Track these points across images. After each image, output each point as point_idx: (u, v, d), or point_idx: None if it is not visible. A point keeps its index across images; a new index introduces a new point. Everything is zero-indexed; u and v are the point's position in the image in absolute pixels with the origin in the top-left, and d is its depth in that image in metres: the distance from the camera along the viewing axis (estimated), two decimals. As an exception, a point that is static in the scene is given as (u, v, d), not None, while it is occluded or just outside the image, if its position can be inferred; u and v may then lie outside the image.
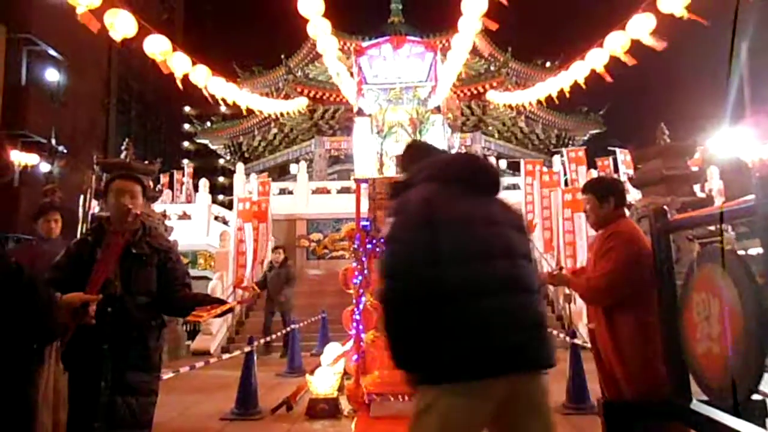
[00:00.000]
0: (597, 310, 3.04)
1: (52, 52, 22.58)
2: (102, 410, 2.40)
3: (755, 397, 1.57)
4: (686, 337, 1.72)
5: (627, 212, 3.79)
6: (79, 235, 6.48)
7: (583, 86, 7.54)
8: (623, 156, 18.23)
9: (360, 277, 5.60)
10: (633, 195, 13.03)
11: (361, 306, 5.61)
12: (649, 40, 6.19)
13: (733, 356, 1.43)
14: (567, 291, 9.02)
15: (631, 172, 14.87)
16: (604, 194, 3.03)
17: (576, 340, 5.53)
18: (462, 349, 1.75)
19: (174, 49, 6.83)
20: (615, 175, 20.46)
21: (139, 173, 10.47)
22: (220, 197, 32.63)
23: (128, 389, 2.48)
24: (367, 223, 5.88)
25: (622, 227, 2.97)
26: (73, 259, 2.65)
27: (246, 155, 26.87)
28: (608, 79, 6.89)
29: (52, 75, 23.28)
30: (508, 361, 1.77)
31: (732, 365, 1.43)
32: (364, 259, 5.74)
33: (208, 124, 28.45)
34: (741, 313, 1.41)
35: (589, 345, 3.33)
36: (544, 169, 15.54)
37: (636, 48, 6.62)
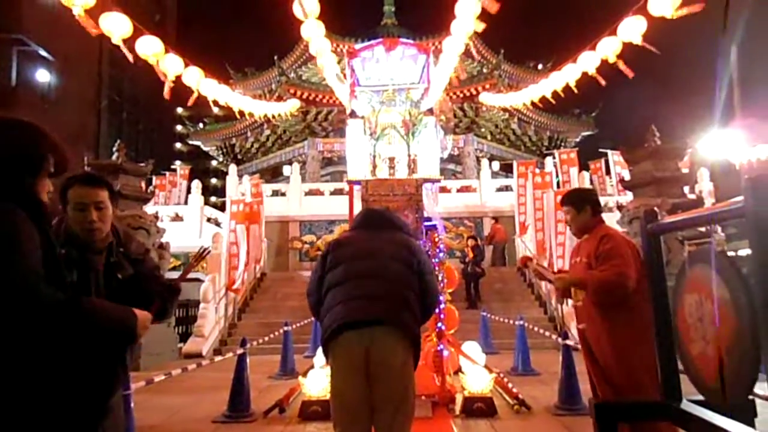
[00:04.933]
0: (590, 310, 3.07)
1: (42, 52, 22.46)
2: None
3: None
4: (680, 339, 1.74)
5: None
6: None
7: (575, 90, 7.56)
8: (616, 157, 18.33)
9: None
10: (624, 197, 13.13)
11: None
12: (639, 42, 6.23)
13: (728, 357, 1.45)
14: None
15: (625, 173, 14.95)
16: (580, 204, 3.29)
17: (568, 341, 5.55)
18: (324, 328, 2.75)
19: (166, 51, 6.80)
20: (607, 177, 20.63)
21: (131, 174, 10.45)
22: (213, 199, 32.52)
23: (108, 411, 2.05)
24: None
25: (610, 230, 3.23)
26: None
27: (239, 157, 26.82)
28: (602, 82, 6.92)
29: (42, 76, 23.16)
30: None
31: (727, 366, 1.45)
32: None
33: (201, 125, 28.39)
34: (734, 314, 1.42)
35: (580, 346, 3.35)
36: (537, 170, 15.60)
37: (627, 51, 6.66)
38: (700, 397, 1.80)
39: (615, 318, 2.97)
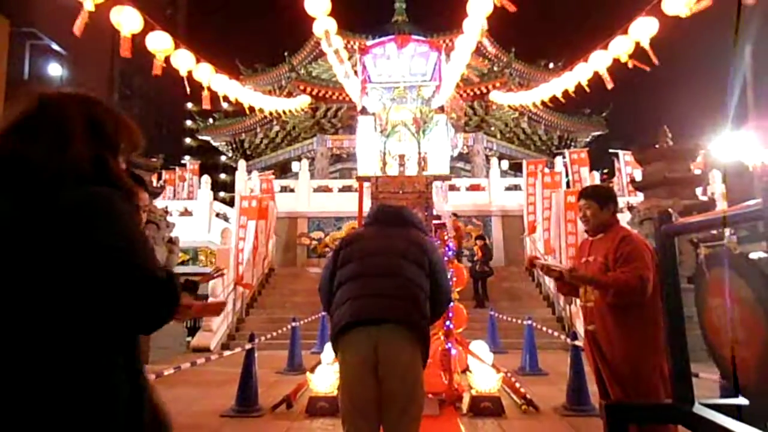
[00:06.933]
0: (603, 312, 3.03)
1: (54, 46, 22.61)
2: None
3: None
4: (712, 343, 1.72)
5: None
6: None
7: (587, 89, 7.52)
8: (627, 158, 18.23)
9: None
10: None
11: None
12: (649, 52, 6.20)
13: (761, 359, 1.43)
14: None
15: (636, 173, 14.87)
16: (604, 201, 3.20)
17: (576, 342, 5.52)
18: (334, 326, 2.74)
19: (177, 46, 6.83)
20: (617, 176, 20.52)
21: (141, 168, 10.50)
22: (222, 194, 32.63)
23: None
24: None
25: (629, 231, 3.17)
26: None
27: (248, 152, 26.88)
28: (609, 85, 6.89)
29: (54, 69, 23.32)
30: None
31: (762, 368, 1.44)
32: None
33: (211, 120, 28.44)
34: (761, 315, 1.41)
35: (587, 347, 3.30)
36: (546, 170, 15.53)
37: (640, 50, 6.62)
38: (713, 401, 1.79)
39: (627, 320, 2.95)
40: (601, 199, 3.21)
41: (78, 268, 1.21)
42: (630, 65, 6.54)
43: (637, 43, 6.45)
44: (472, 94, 21.33)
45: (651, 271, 2.87)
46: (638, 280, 2.85)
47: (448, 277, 3.23)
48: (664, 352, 2.82)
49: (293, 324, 8.46)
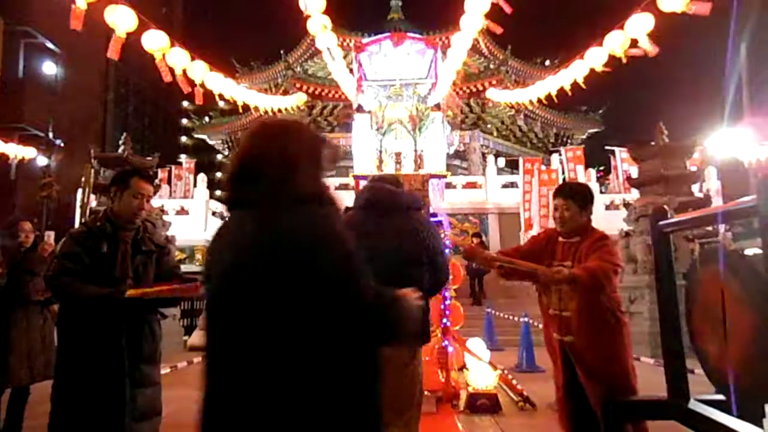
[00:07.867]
0: (581, 321, 2.87)
1: (50, 45, 22.49)
2: (129, 405, 2.48)
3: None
4: (698, 338, 1.73)
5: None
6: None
7: (582, 86, 7.53)
8: (623, 155, 18.27)
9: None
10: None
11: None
12: (645, 42, 6.18)
13: (746, 356, 1.44)
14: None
15: (632, 170, 14.91)
16: (584, 203, 3.02)
17: (573, 339, 5.53)
18: None
19: (172, 44, 6.81)
20: (612, 173, 20.54)
21: (137, 168, 10.49)
22: (218, 192, 32.50)
23: (142, 381, 2.58)
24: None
25: (603, 232, 3.01)
26: (86, 250, 2.60)
27: (244, 151, 26.76)
28: (607, 69, 6.88)
29: (49, 68, 23.20)
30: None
31: (745, 364, 1.44)
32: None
33: (207, 119, 28.32)
34: (751, 312, 1.41)
35: (557, 358, 3.13)
36: (543, 167, 15.55)
37: (634, 46, 6.63)
38: (708, 397, 1.79)
39: (605, 328, 2.85)
40: (581, 200, 3.01)
41: (307, 286, 1.32)
42: (624, 60, 6.55)
43: (633, 40, 6.46)
44: (468, 91, 21.31)
45: (619, 263, 2.85)
46: (610, 265, 2.75)
47: (446, 255, 3.21)
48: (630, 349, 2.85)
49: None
